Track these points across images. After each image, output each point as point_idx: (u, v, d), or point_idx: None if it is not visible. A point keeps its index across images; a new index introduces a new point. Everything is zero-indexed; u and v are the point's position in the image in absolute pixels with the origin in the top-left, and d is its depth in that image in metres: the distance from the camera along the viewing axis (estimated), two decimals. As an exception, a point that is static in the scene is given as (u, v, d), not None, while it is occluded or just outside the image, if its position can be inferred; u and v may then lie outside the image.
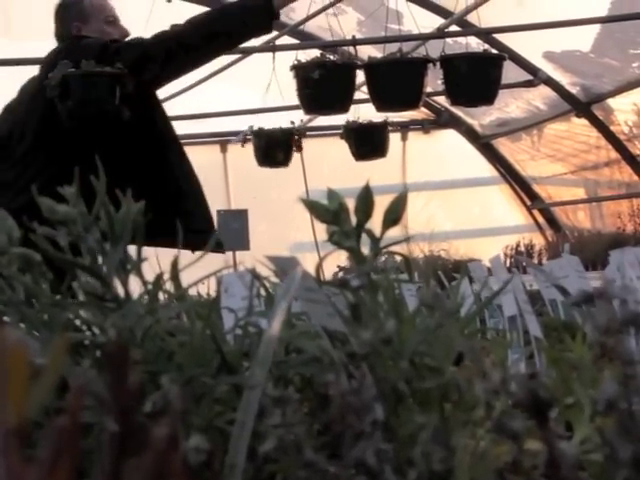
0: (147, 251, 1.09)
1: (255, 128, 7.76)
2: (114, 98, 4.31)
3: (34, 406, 0.39)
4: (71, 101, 4.25)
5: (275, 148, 7.64)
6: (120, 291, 1.01)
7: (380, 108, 6.26)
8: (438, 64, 6.05)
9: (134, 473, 0.40)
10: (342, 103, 6.17)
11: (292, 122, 7.83)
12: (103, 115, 4.33)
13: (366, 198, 1.07)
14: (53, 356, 0.42)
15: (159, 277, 1.04)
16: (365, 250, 1.05)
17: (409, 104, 6.19)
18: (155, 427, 0.40)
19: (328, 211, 1.07)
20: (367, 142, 7.63)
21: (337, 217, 1.07)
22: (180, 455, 0.63)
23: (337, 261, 1.12)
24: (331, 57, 6.23)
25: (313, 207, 1.09)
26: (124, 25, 4.45)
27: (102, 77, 4.33)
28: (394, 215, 1.10)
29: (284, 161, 7.73)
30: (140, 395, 0.51)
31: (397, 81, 5.90)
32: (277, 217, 9.24)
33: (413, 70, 5.93)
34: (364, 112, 7.70)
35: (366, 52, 7.16)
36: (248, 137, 7.80)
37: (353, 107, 8.02)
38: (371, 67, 6.12)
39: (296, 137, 7.71)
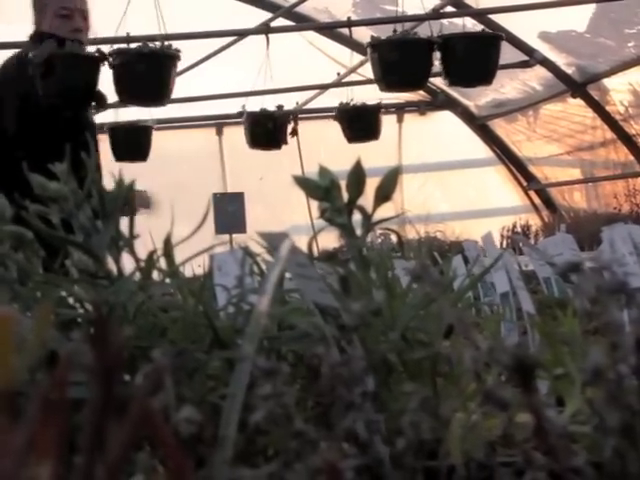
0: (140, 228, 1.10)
1: (249, 110, 7.73)
2: (95, 80, 4.37)
3: (20, 371, 0.40)
4: (53, 80, 4.28)
5: (268, 131, 7.61)
6: (113, 268, 1.01)
7: (385, 88, 6.18)
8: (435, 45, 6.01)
9: (117, 435, 0.40)
10: (160, 94, 5.72)
11: (279, 106, 7.70)
12: (85, 95, 4.38)
13: (357, 174, 1.07)
14: (38, 322, 0.43)
15: (151, 254, 1.04)
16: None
17: (414, 84, 6.15)
18: (138, 392, 0.40)
19: (320, 188, 1.07)
20: (360, 124, 7.60)
21: (329, 194, 1.07)
22: (170, 425, 0.63)
23: (333, 243, 1.12)
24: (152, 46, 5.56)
25: (305, 184, 1.09)
26: (80, 19, 4.11)
27: (86, 59, 4.39)
28: (385, 192, 1.10)
29: (276, 144, 7.69)
30: (124, 360, 0.52)
31: (403, 61, 5.82)
32: (274, 200, 9.23)
33: (419, 50, 5.87)
34: (360, 93, 7.70)
35: (361, 34, 7.13)
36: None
37: (347, 89, 7.99)
38: (375, 47, 6.05)
39: (291, 121, 7.68)
